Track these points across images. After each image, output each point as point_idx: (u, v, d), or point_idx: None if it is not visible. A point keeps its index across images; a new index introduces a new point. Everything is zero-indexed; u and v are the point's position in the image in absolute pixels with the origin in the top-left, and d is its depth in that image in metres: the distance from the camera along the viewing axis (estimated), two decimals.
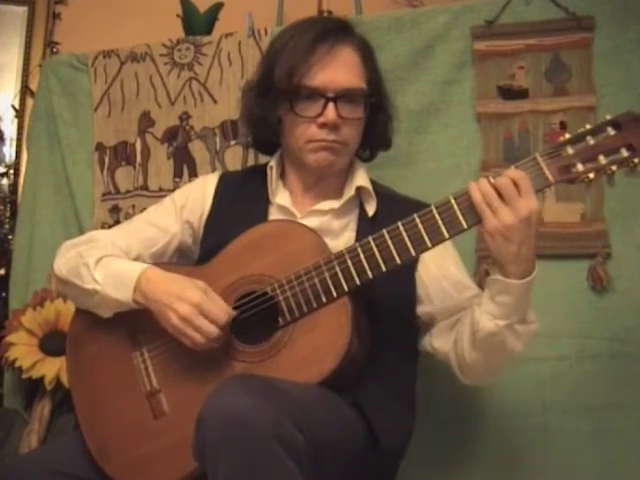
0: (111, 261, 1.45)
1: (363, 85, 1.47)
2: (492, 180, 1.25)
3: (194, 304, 1.32)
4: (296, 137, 1.47)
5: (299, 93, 1.43)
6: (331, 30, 1.46)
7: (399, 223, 1.30)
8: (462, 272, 1.53)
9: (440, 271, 1.48)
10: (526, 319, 1.34)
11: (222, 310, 1.34)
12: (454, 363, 1.43)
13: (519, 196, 1.23)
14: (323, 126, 1.43)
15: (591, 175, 1.24)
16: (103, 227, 2.08)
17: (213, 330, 1.32)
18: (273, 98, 1.47)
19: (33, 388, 2.03)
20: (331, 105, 1.42)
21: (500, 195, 1.24)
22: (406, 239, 1.30)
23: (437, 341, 1.46)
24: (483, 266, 1.80)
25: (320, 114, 1.43)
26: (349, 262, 1.32)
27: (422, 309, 1.48)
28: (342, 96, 1.43)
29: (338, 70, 1.44)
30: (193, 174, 2.07)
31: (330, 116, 1.42)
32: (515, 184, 1.23)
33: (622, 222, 1.77)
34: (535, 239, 1.26)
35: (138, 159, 2.14)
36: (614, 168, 1.23)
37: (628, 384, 1.73)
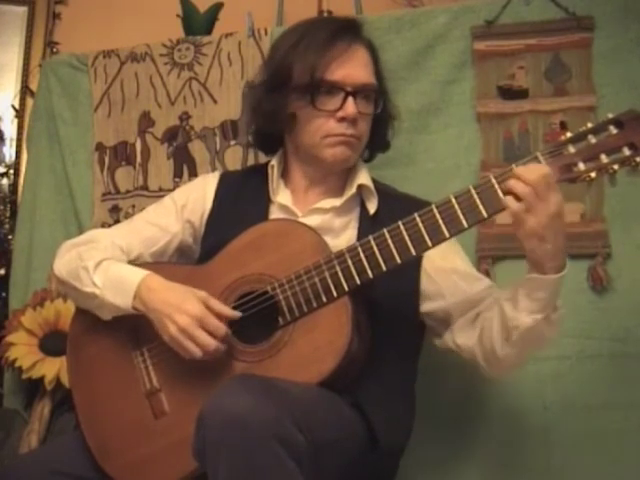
0: (111, 265, 1.45)
1: (375, 82, 1.50)
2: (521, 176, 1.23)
3: (193, 316, 1.33)
4: (312, 132, 1.48)
5: (320, 88, 1.45)
6: (347, 28, 1.49)
7: (399, 222, 1.31)
8: (468, 265, 1.53)
9: (448, 265, 1.48)
10: (556, 306, 1.34)
11: (221, 322, 1.33)
12: (480, 358, 1.42)
13: (549, 192, 1.22)
14: (342, 120, 1.45)
15: (593, 174, 1.23)
16: (103, 227, 2.07)
17: (211, 342, 1.32)
18: (286, 93, 1.47)
19: (33, 388, 2.03)
20: (351, 99, 1.44)
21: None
22: (406, 238, 1.30)
23: (460, 338, 1.46)
24: (483, 266, 1.80)
25: (340, 108, 1.44)
26: (349, 261, 1.32)
27: (434, 305, 1.48)
28: (359, 91, 1.46)
29: (355, 66, 1.47)
30: (193, 174, 2.07)
31: (350, 110, 1.44)
32: (545, 179, 1.22)
33: (622, 222, 1.77)
34: (564, 231, 1.26)
35: (138, 159, 2.13)
36: (616, 167, 1.23)
37: (628, 384, 1.73)
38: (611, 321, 1.75)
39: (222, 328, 1.33)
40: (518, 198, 1.23)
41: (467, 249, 1.71)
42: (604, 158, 1.23)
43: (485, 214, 1.27)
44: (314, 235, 1.38)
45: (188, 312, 1.33)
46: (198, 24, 2.20)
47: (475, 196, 1.27)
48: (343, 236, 1.49)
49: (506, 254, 1.80)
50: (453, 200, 1.28)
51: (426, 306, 1.48)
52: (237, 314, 1.36)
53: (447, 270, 1.48)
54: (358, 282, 1.32)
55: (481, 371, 1.45)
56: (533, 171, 1.23)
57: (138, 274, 1.42)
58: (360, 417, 1.37)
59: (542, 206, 1.22)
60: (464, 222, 1.28)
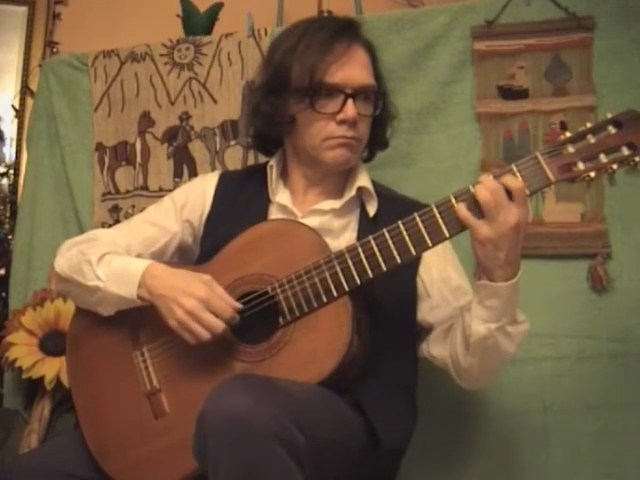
0: (114, 258, 1.45)
1: (374, 83, 1.50)
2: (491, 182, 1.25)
3: (199, 298, 1.33)
4: (312, 135, 1.47)
5: (319, 90, 1.44)
6: (346, 29, 1.49)
7: (399, 222, 1.30)
8: (461, 276, 1.53)
9: (440, 275, 1.49)
10: (516, 319, 1.35)
11: (227, 304, 1.34)
12: (451, 369, 1.44)
13: (511, 203, 1.23)
14: (342, 123, 1.44)
15: (592, 174, 1.23)
16: (103, 227, 2.07)
17: (218, 324, 1.32)
18: (284, 96, 1.47)
19: (33, 388, 2.03)
20: (350, 102, 1.44)
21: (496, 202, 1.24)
22: (406, 238, 1.30)
23: (434, 349, 1.47)
24: None
25: (340, 110, 1.44)
26: (349, 262, 1.32)
27: (421, 314, 1.49)
28: (359, 93, 1.45)
29: (354, 68, 1.46)
30: (193, 174, 2.07)
31: (350, 112, 1.43)
32: (509, 191, 1.23)
33: (622, 222, 1.77)
34: (521, 243, 1.27)
35: (138, 159, 2.14)
36: (615, 167, 1.23)
37: (628, 384, 1.73)
38: (611, 321, 1.75)
39: (228, 310, 1.33)
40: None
41: (466, 250, 1.70)
42: (603, 158, 1.23)
43: None
44: (314, 235, 1.38)
45: (194, 294, 1.33)
46: (198, 24, 2.21)
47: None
48: (342, 237, 1.49)
49: None
50: (453, 200, 1.28)
51: (417, 310, 1.49)
52: (238, 305, 1.36)
53: (438, 281, 1.49)
54: (358, 282, 1.32)
55: (457, 383, 1.46)
56: (501, 180, 1.24)
57: (142, 263, 1.43)
58: (361, 417, 1.36)
59: (501, 215, 1.23)
60: None
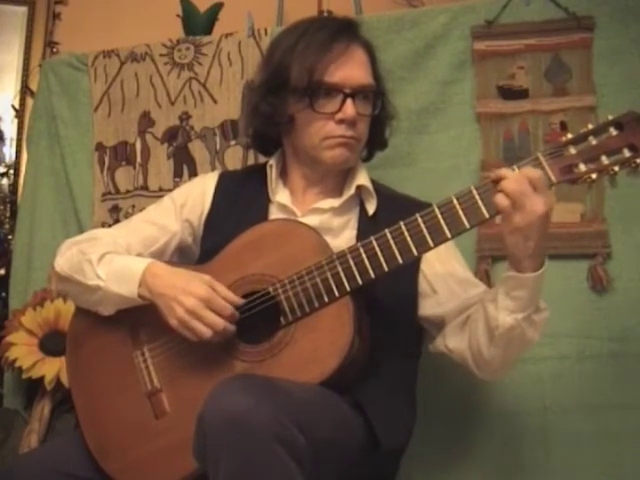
0: (114, 257, 1.46)
1: (373, 82, 1.50)
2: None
3: (200, 297, 1.33)
4: (311, 134, 1.48)
5: (318, 90, 1.45)
6: (345, 29, 1.49)
7: (401, 223, 1.31)
8: (466, 270, 1.54)
9: (445, 269, 1.49)
10: (539, 307, 1.35)
11: (228, 303, 1.34)
12: (470, 361, 1.43)
13: (536, 194, 1.23)
14: (341, 122, 1.45)
15: (593, 175, 1.24)
16: (103, 227, 2.07)
17: (220, 322, 1.32)
18: (283, 96, 1.48)
19: (33, 388, 2.03)
20: (349, 101, 1.44)
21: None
22: (408, 239, 1.30)
23: (451, 342, 1.46)
24: (483, 266, 1.80)
25: (339, 110, 1.44)
26: (351, 262, 1.32)
27: (429, 310, 1.48)
28: (358, 92, 1.46)
29: (353, 67, 1.47)
30: (193, 174, 2.07)
31: (349, 112, 1.44)
32: (531, 183, 1.23)
33: (622, 222, 1.77)
34: (547, 233, 1.27)
35: (138, 159, 2.13)
36: (616, 168, 1.23)
37: (628, 384, 1.73)
38: (611, 321, 1.75)
39: (229, 308, 1.34)
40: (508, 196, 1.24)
41: (466, 249, 1.72)
42: (605, 159, 1.23)
43: (487, 214, 1.27)
44: (315, 235, 1.38)
45: (194, 293, 1.33)
46: (198, 24, 2.21)
47: (477, 196, 1.27)
48: (342, 236, 1.49)
49: (505, 254, 1.80)
50: (455, 201, 1.28)
51: (422, 310, 1.49)
52: (241, 300, 1.36)
53: (444, 275, 1.48)
54: (360, 282, 1.32)
55: (473, 375, 1.45)
56: (522, 172, 1.24)
57: (142, 262, 1.43)
58: (361, 417, 1.36)
59: (529, 205, 1.23)
60: (466, 223, 1.28)
